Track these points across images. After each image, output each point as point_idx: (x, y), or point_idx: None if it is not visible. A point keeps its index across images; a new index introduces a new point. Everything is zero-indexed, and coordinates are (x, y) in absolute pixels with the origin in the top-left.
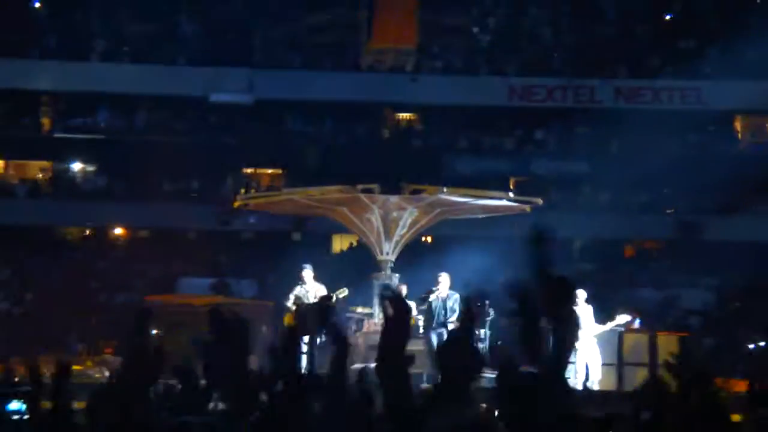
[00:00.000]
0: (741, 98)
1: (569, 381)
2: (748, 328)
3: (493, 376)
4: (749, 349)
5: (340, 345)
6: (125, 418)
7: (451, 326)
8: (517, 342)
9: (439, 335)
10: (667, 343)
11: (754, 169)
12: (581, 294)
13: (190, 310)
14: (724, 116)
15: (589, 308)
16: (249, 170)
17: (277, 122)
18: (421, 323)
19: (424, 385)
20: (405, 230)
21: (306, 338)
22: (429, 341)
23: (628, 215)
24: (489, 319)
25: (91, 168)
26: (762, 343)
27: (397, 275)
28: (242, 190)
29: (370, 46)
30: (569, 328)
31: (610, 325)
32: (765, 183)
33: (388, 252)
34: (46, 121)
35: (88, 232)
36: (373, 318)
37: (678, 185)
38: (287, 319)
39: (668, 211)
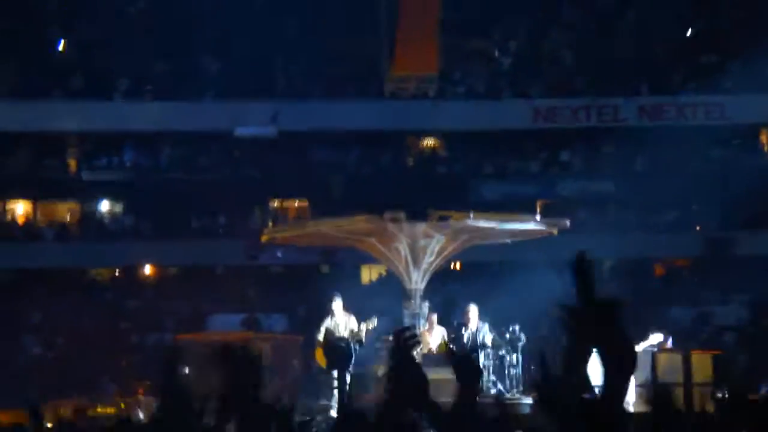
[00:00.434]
0: (765, 112)
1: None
2: None
3: (530, 401)
4: None
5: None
6: None
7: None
8: (563, 369)
9: None
10: (701, 362)
11: None
12: None
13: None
14: (748, 130)
15: None
16: (275, 203)
17: (301, 153)
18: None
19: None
20: (433, 258)
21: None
22: None
23: (657, 233)
24: (521, 344)
25: (118, 207)
26: None
27: (427, 303)
28: (269, 224)
29: (391, 73)
30: (622, 353)
31: (642, 345)
32: None
33: (417, 280)
34: (72, 162)
35: (117, 272)
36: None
37: (705, 201)
38: (318, 354)
39: (697, 228)
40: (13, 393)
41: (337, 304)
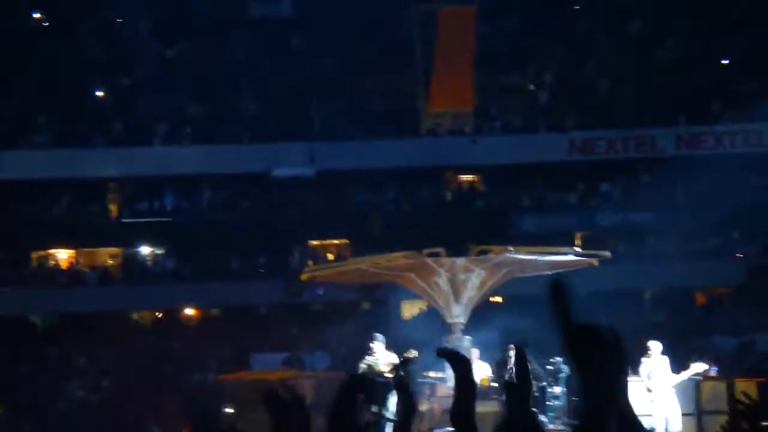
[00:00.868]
0: None
1: None
2: None
3: None
4: None
5: (408, 410)
6: None
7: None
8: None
9: None
10: (746, 390)
11: None
12: (656, 345)
13: (267, 386)
14: None
15: (665, 359)
16: (315, 242)
17: (339, 192)
18: (495, 384)
19: None
20: (474, 292)
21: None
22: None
23: (698, 262)
24: (563, 375)
25: (159, 251)
26: None
27: (468, 338)
28: (309, 263)
29: (428, 110)
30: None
31: (686, 374)
32: None
33: (458, 315)
34: (113, 208)
35: (159, 315)
36: (446, 382)
37: (746, 229)
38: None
39: (738, 256)
40: None
41: (379, 345)
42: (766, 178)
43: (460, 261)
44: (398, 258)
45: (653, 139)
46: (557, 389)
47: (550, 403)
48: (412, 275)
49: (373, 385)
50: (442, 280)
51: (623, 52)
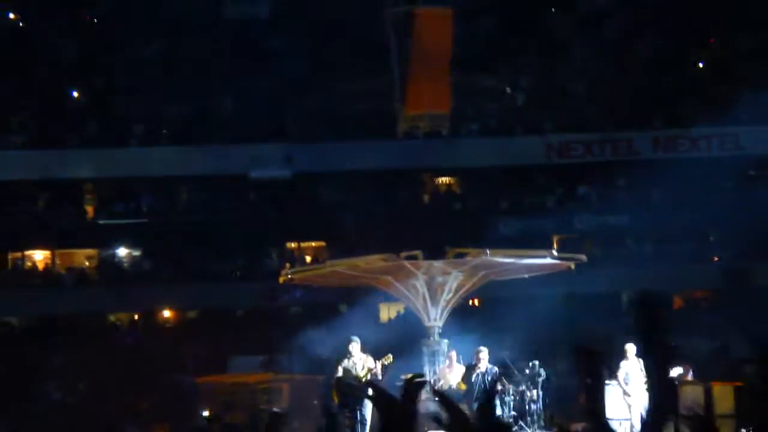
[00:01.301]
0: None
1: None
2: None
3: None
4: None
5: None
6: None
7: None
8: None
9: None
10: (723, 394)
11: None
12: (631, 348)
13: (245, 388)
14: (763, 160)
15: (641, 362)
16: (292, 244)
17: (316, 194)
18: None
19: None
20: (451, 295)
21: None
22: (471, 409)
23: (674, 265)
24: (541, 379)
25: (136, 252)
26: None
27: (445, 341)
28: (287, 265)
29: (405, 112)
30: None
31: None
32: None
33: (435, 317)
34: (89, 209)
35: (136, 316)
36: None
37: (722, 233)
38: (334, 393)
39: (714, 259)
40: None
41: (355, 346)
42: (742, 181)
43: (438, 264)
44: (376, 261)
45: (630, 142)
46: (535, 393)
47: (528, 408)
48: (390, 278)
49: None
50: (420, 283)
51: (599, 54)
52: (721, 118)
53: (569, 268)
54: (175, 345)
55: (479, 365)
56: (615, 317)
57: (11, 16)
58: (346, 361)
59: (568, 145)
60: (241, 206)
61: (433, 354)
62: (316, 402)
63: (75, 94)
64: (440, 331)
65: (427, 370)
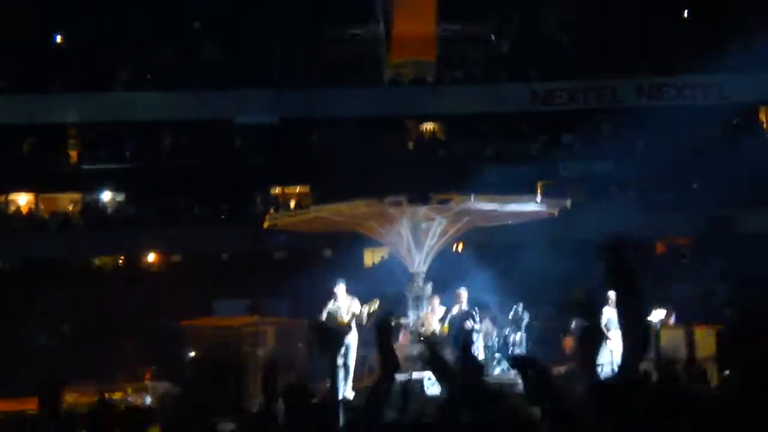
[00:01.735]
0: (764, 90)
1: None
2: None
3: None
4: None
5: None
6: None
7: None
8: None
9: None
10: (705, 337)
11: None
12: (613, 294)
13: (230, 332)
14: (747, 109)
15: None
16: (277, 189)
17: (301, 140)
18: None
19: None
20: (435, 240)
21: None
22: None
23: (658, 212)
24: (524, 323)
25: (120, 197)
26: None
27: (429, 285)
28: (271, 210)
29: (390, 59)
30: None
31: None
32: None
33: (419, 263)
34: (73, 154)
35: (121, 260)
36: (409, 328)
37: (706, 180)
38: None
39: (697, 207)
40: (18, 382)
41: (341, 289)
42: (725, 129)
43: (422, 210)
44: (360, 206)
45: (614, 90)
46: (518, 336)
47: (512, 350)
48: (374, 224)
49: (331, 333)
50: (404, 229)
51: (584, 2)
52: (706, 66)
53: (552, 215)
54: (160, 289)
55: (457, 307)
56: (598, 264)
57: None
58: (331, 304)
59: (553, 93)
60: (225, 151)
61: (417, 299)
62: (301, 345)
63: (59, 38)
64: (424, 276)
65: (411, 314)
